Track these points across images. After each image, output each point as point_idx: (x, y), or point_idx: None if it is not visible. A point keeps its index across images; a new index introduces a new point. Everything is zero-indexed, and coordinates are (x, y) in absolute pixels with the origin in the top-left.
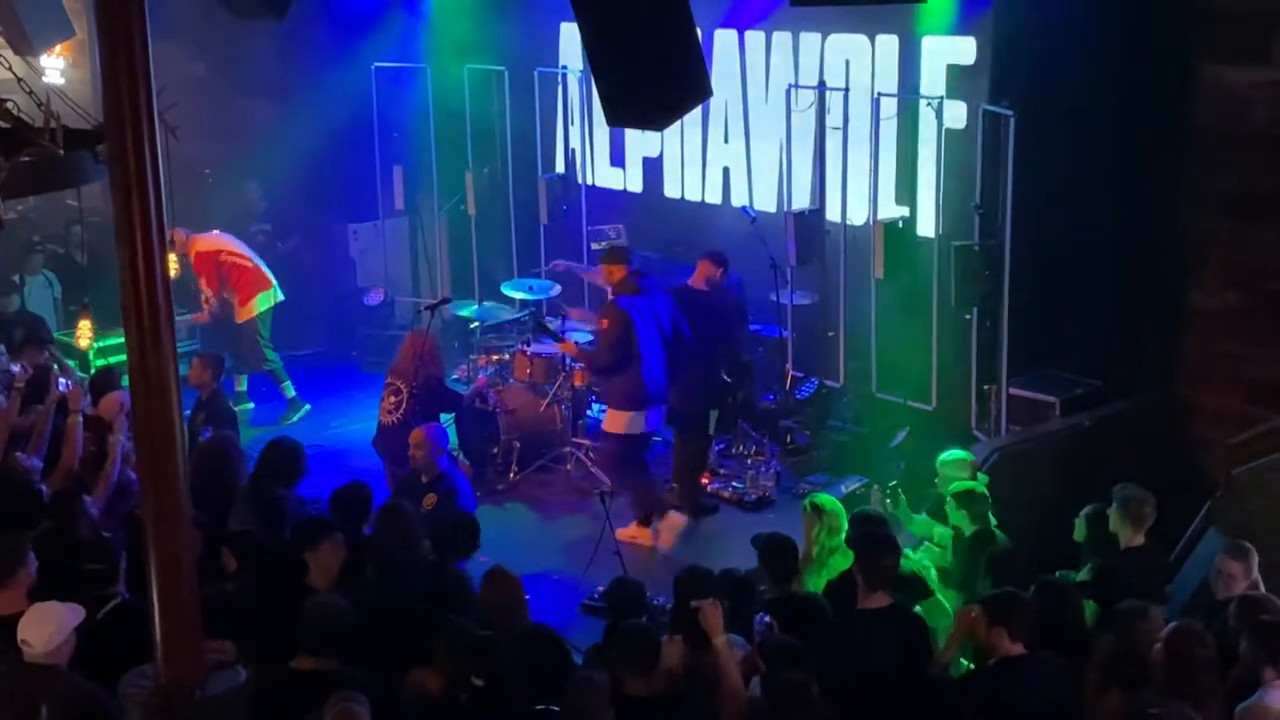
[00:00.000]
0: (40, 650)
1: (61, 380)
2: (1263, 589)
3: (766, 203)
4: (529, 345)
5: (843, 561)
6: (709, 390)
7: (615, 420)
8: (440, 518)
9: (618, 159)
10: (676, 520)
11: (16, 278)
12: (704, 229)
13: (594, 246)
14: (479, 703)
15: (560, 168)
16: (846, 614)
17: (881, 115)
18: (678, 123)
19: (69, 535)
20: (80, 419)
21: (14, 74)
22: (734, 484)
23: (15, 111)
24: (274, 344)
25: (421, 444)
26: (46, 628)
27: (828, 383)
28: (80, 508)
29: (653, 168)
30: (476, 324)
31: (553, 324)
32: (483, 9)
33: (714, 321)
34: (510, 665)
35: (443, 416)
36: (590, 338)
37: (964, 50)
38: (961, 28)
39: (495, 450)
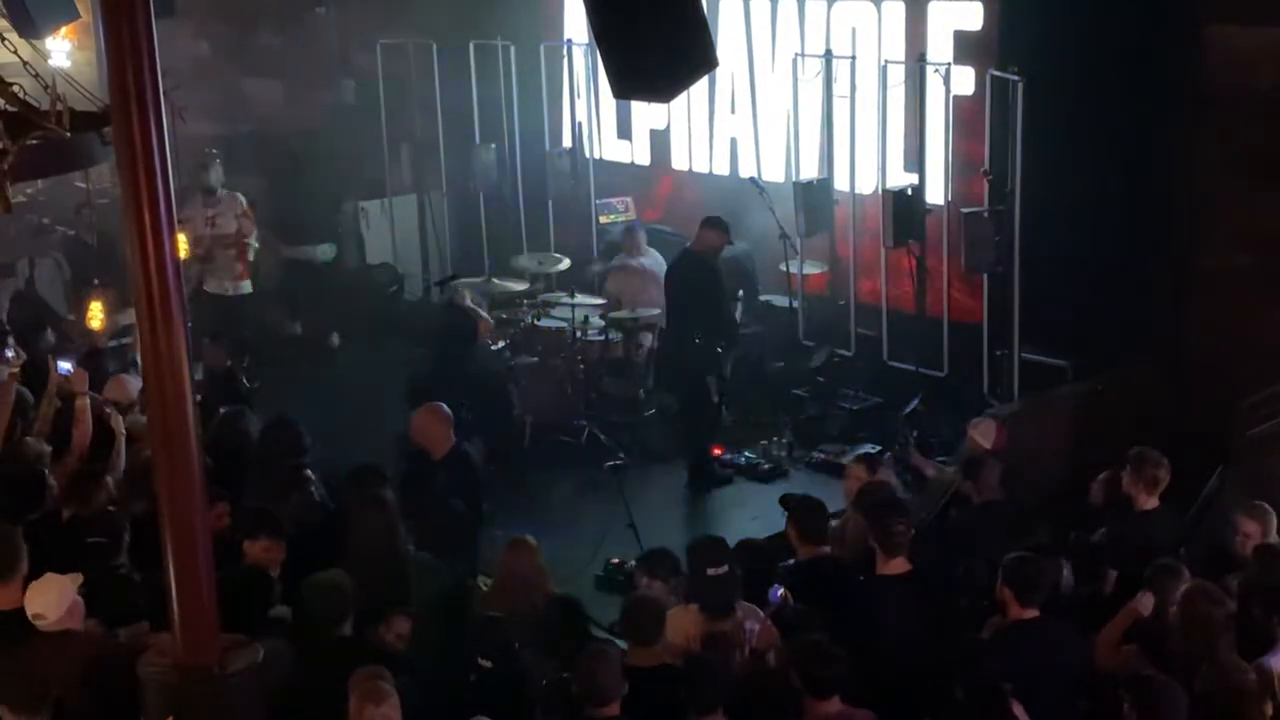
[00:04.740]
0: (54, 618)
1: (62, 364)
2: None
3: (774, 173)
4: (539, 320)
5: None
6: (699, 357)
7: None
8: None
9: (624, 131)
10: None
11: (26, 260)
12: (713, 200)
13: (602, 219)
14: (488, 682)
15: (567, 142)
16: (866, 580)
17: (889, 83)
18: (684, 94)
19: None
20: (88, 400)
21: (20, 57)
22: (746, 454)
23: (21, 95)
24: None
25: (421, 427)
26: (53, 595)
27: (839, 351)
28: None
29: (660, 140)
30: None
31: None
32: None
33: (699, 289)
34: (530, 637)
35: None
36: None
37: (971, 16)
38: None
39: (507, 424)
